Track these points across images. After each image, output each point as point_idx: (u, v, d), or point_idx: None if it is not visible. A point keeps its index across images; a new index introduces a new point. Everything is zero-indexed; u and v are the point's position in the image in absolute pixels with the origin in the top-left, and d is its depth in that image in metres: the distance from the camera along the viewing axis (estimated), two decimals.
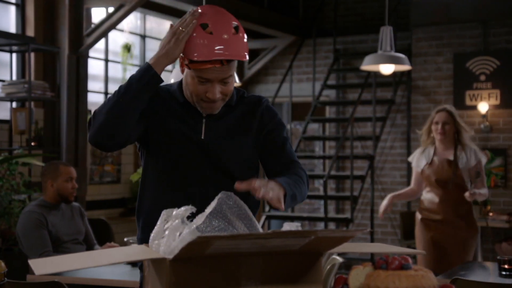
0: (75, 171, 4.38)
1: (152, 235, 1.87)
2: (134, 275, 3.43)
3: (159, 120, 2.20)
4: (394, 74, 7.42)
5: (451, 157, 4.66)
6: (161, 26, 8.13)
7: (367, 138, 7.97)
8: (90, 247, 4.37)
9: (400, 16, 8.07)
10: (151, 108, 2.18)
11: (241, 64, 8.58)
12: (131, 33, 7.59)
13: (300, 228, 4.59)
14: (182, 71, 2.17)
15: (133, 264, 3.56)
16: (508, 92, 7.47)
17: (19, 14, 6.16)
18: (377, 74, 7.56)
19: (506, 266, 3.52)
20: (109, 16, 6.11)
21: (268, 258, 1.74)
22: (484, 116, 7.52)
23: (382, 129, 7.82)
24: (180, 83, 2.25)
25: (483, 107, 7.49)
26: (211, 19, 2.07)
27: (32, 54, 5.96)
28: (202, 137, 2.18)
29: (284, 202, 1.98)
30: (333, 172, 7.79)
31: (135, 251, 1.89)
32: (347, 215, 7.65)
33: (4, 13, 6.13)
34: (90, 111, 6.64)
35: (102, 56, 7.25)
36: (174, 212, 1.84)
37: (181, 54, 2.10)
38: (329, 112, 8.90)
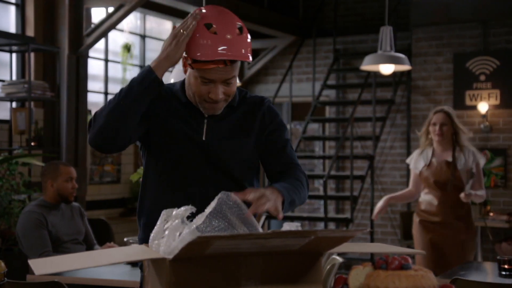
0: (75, 171, 4.38)
1: (152, 235, 1.87)
2: (134, 275, 3.43)
3: (161, 121, 2.19)
4: (394, 74, 7.42)
5: (450, 159, 4.62)
6: (161, 26, 8.13)
7: (367, 138, 7.97)
8: (90, 247, 4.36)
9: (400, 16, 8.07)
10: (153, 109, 2.18)
11: (241, 64, 8.56)
12: (131, 33, 7.59)
13: (300, 228, 4.58)
14: (185, 71, 2.16)
15: (133, 264, 3.56)
16: (508, 92, 7.47)
17: (19, 14, 6.16)
18: (377, 74, 7.56)
19: (506, 266, 3.51)
20: (109, 16, 6.11)
21: (268, 258, 1.74)
22: (484, 116, 7.52)
23: (382, 129, 7.82)
24: (182, 83, 2.24)
25: (483, 107, 7.49)
26: (215, 19, 2.06)
27: (32, 54, 5.96)
28: (204, 138, 2.18)
29: (282, 209, 1.98)
30: (333, 172, 7.79)
31: (135, 251, 1.89)
32: (347, 215, 7.66)
33: (4, 13, 6.13)
34: (90, 111, 6.64)
35: (102, 56, 7.25)
36: (174, 212, 1.84)
37: (184, 54, 2.09)
38: (329, 112, 8.90)
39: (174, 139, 2.18)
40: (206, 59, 2.04)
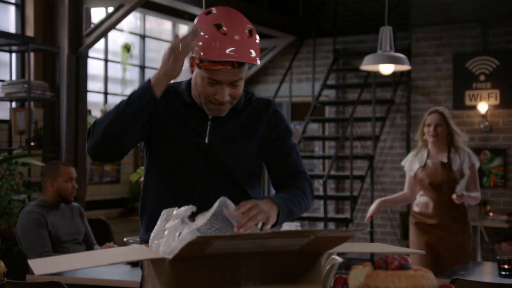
0: (75, 171, 4.37)
1: (152, 235, 1.87)
2: (134, 275, 3.43)
3: (162, 122, 2.18)
4: (394, 74, 7.42)
5: (445, 160, 4.57)
6: (160, 26, 8.13)
7: (366, 138, 7.97)
8: (89, 247, 4.36)
9: (400, 16, 8.07)
10: (155, 112, 2.15)
11: None
12: (131, 33, 7.58)
13: (299, 228, 4.58)
14: (192, 71, 2.13)
15: (133, 264, 3.55)
16: (507, 92, 7.47)
17: (19, 14, 6.16)
18: (376, 74, 7.56)
19: (505, 266, 3.51)
20: (109, 16, 6.10)
21: (267, 258, 1.74)
22: (483, 116, 7.53)
23: (382, 129, 7.82)
24: (188, 82, 2.22)
25: (482, 107, 7.49)
26: (225, 20, 2.05)
27: (32, 54, 5.96)
28: (206, 141, 2.16)
29: (277, 220, 2.00)
30: (332, 172, 7.79)
31: (134, 251, 1.89)
32: (347, 215, 7.66)
33: (4, 13, 6.13)
34: (89, 111, 6.65)
35: (102, 56, 7.25)
36: (174, 212, 1.84)
37: (192, 54, 2.07)
38: (329, 112, 8.90)
39: (175, 140, 2.17)
40: (214, 59, 2.01)
